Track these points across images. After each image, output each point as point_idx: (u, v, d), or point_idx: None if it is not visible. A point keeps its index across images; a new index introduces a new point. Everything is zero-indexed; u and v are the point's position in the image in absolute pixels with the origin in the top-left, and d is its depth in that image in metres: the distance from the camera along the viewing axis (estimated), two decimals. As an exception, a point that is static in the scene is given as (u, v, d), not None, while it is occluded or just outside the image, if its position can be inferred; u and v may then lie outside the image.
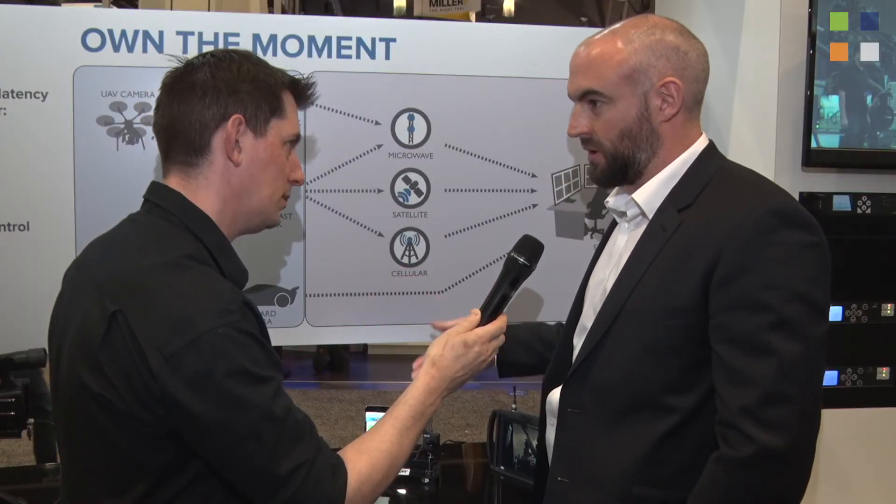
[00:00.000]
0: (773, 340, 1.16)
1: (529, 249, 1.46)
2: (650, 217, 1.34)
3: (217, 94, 1.20)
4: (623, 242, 1.40)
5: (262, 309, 2.08)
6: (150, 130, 2.03)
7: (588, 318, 1.41)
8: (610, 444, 1.30)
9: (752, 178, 1.33)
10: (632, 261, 1.33)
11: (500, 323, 1.43)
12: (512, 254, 1.46)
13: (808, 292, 1.18)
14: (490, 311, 1.42)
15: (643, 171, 1.35)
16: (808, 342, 1.17)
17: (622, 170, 1.36)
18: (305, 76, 1.33)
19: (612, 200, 1.44)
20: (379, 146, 2.16)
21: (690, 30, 1.37)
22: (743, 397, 1.16)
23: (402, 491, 2.06)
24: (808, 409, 1.17)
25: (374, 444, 1.23)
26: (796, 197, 1.96)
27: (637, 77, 1.30)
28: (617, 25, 1.36)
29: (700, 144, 1.36)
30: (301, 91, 1.31)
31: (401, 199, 2.18)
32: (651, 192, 1.35)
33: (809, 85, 1.93)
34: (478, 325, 1.41)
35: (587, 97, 1.35)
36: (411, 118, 2.17)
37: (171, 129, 1.22)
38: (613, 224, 1.52)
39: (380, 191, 2.17)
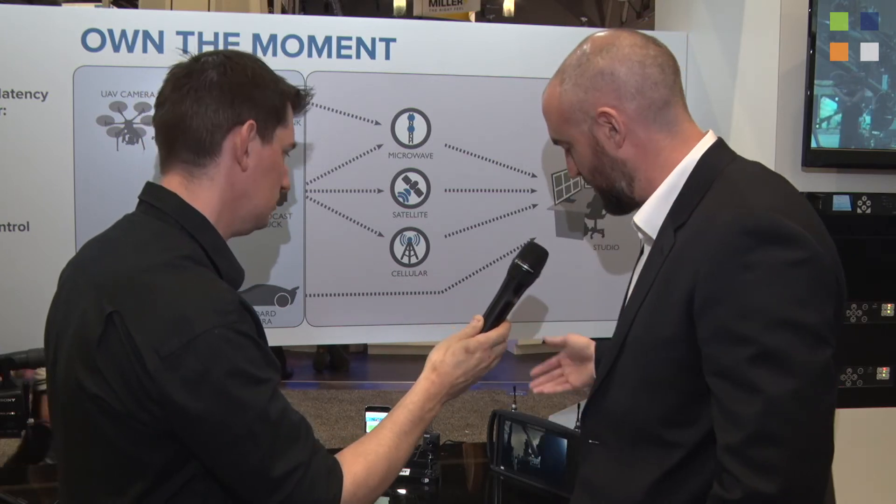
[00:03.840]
0: (756, 376, 1.05)
1: (533, 256, 1.43)
2: (654, 238, 1.27)
3: (232, 97, 1.21)
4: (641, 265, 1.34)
5: (261, 309, 2.10)
6: (150, 130, 2.03)
7: None
8: (622, 476, 1.25)
9: (742, 184, 1.19)
10: (636, 288, 1.28)
11: (502, 330, 1.41)
12: (516, 260, 1.43)
13: (794, 317, 1.05)
14: (493, 318, 1.41)
15: (635, 196, 1.29)
16: (800, 375, 1.04)
17: (617, 201, 1.33)
18: (305, 86, 1.34)
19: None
20: (379, 146, 2.16)
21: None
22: (730, 436, 1.07)
23: (402, 491, 2.06)
24: (806, 450, 1.05)
25: (372, 448, 1.23)
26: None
27: (574, 116, 1.28)
28: (565, 59, 1.32)
29: (700, 149, 1.25)
30: (300, 102, 1.32)
31: (401, 199, 2.18)
32: (649, 212, 1.27)
33: (809, 85, 1.93)
34: (480, 332, 1.40)
35: (557, 145, 1.36)
36: (411, 118, 2.17)
37: (179, 125, 1.20)
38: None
39: (380, 191, 2.17)
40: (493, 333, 1.39)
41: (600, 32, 1.31)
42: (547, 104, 1.33)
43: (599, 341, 1.72)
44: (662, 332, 1.17)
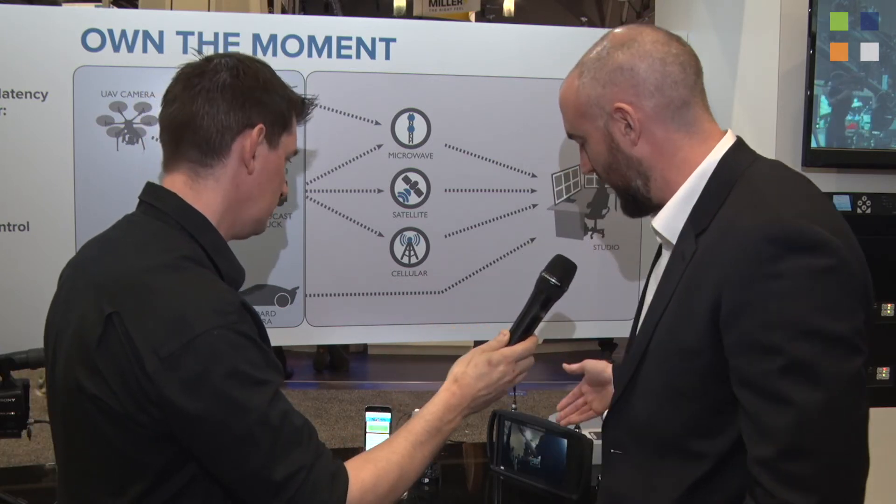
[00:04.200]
0: (787, 387, 1.02)
1: (561, 270, 1.40)
2: (674, 244, 1.23)
3: (244, 100, 1.21)
4: (661, 271, 1.29)
5: (261, 309, 2.10)
6: (150, 130, 2.04)
7: None
8: (646, 487, 1.22)
9: (765, 188, 1.15)
10: (656, 295, 1.23)
11: (528, 344, 1.38)
12: (544, 274, 1.40)
13: (822, 326, 1.02)
14: (520, 333, 1.39)
15: (651, 196, 1.25)
16: (830, 385, 1.02)
17: (633, 201, 1.29)
18: (307, 95, 1.35)
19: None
20: (379, 146, 2.16)
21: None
22: (762, 450, 1.05)
23: (402, 491, 2.06)
24: (840, 462, 1.05)
25: (384, 455, 1.22)
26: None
27: (590, 111, 1.25)
28: (585, 53, 1.29)
29: (720, 150, 1.21)
30: (305, 111, 1.34)
31: (401, 199, 2.19)
32: (668, 216, 1.23)
33: (809, 85, 1.93)
34: (506, 346, 1.38)
35: (572, 139, 1.33)
36: (411, 118, 2.17)
37: (189, 124, 1.20)
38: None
39: (380, 191, 2.17)
40: (519, 347, 1.37)
41: (622, 28, 1.28)
42: (564, 97, 1.30)
43: (615, 364, 1.70)
44: (686, 341, 1.13)
